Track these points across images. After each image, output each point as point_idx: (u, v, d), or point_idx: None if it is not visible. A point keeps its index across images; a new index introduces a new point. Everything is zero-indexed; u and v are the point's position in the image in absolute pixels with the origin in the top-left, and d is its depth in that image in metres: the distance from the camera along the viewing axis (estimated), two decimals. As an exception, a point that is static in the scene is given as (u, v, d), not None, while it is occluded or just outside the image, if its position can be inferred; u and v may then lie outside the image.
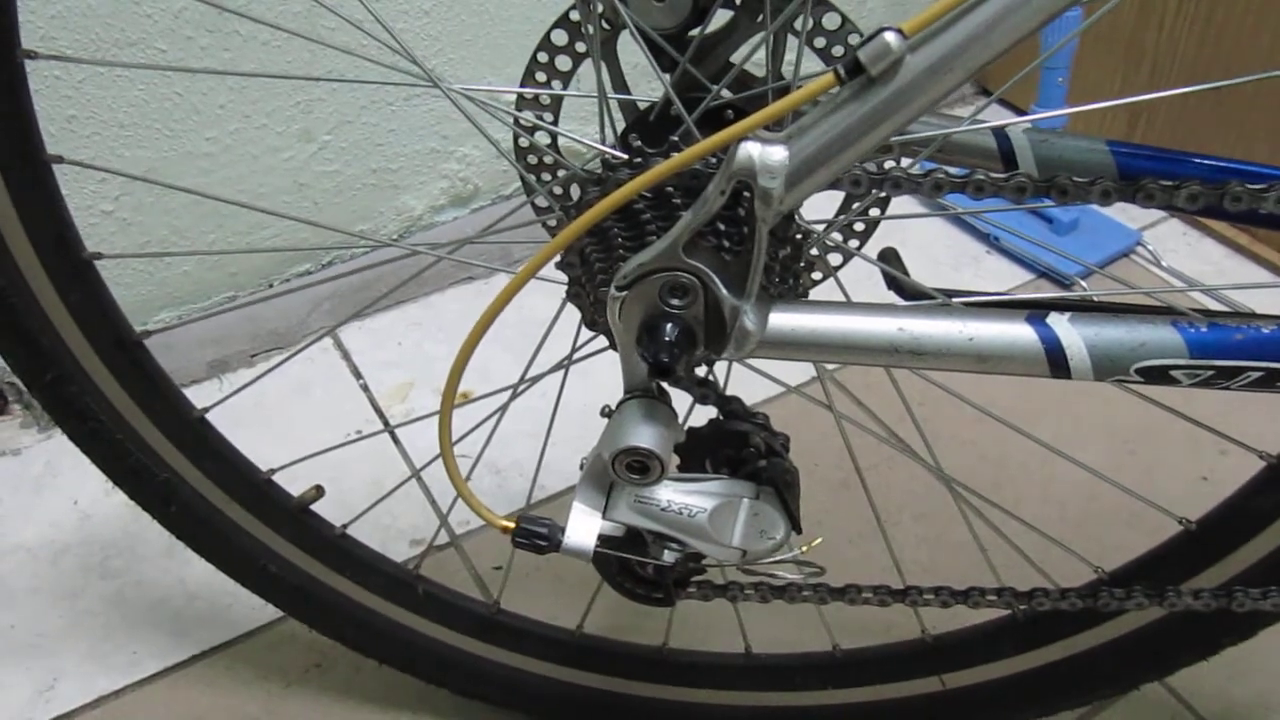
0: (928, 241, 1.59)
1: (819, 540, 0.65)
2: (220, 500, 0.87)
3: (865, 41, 0.47)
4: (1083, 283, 1.50)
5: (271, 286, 1.44)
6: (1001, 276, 1.54)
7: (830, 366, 0.91)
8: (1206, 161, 0.66)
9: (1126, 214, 1.58)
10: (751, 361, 0.66)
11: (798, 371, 0.75)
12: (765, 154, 0.50)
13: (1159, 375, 0.55)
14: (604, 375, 0.72)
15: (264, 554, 0.90)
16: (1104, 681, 0.86)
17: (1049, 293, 1.51)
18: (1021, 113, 1.64)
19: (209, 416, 0.85)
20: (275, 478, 0.89)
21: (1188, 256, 1.55)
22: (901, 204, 0.65)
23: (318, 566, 0.92)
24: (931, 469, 0.83)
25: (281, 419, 1.33)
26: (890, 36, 0.46)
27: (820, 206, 0.66)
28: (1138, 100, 1.53)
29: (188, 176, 1.29)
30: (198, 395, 0.85)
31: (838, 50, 0.63)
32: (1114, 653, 0.83)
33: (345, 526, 0.92)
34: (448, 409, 0.62)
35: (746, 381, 0.77)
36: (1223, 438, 0.76)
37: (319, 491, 0.90)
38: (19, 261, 0.72)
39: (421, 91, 1.38)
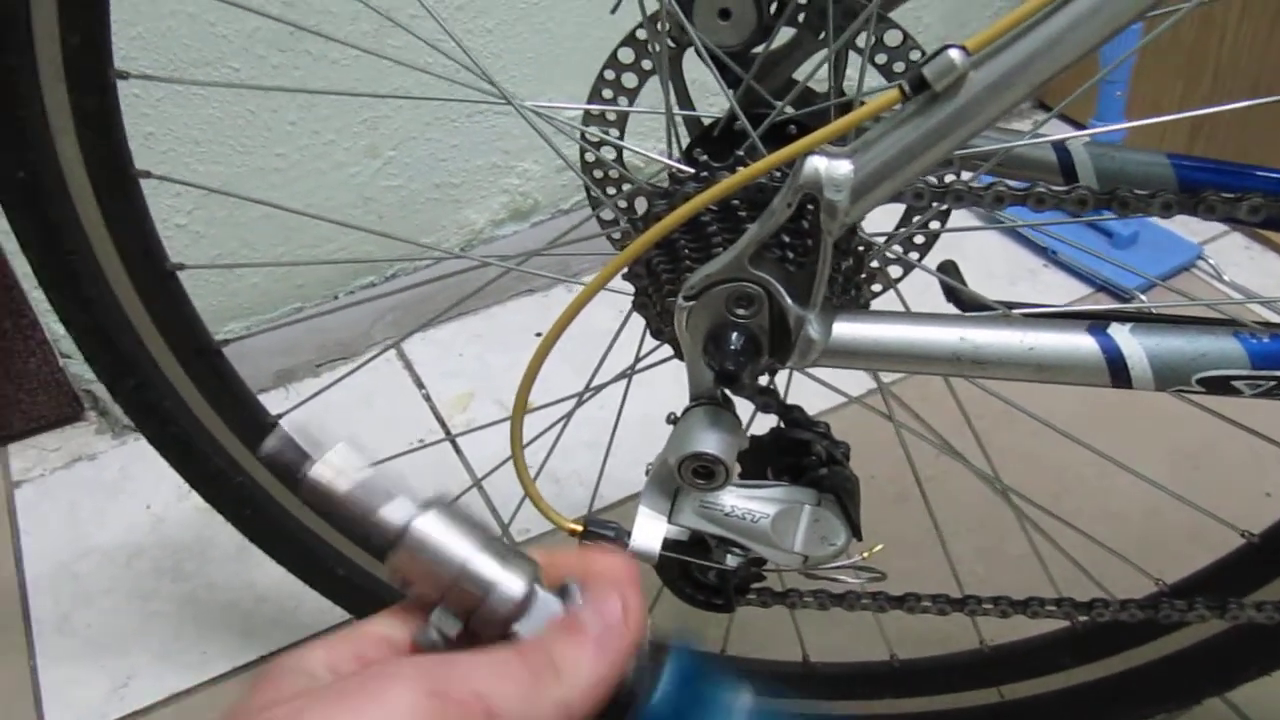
0: (985, 255, 1.59)
1: (880, 546, 0.66)
2: (292, 505, 0.90)
3: (930, 58, 0.48)
4: (1142, 296, 1.49)
5: (337, 298, 1.47)
6: (1059, 290, 1.53)
7: (888, 378, 0.91)
8: (1268, 174, 0.66)
9: (1187, 228, 1.57)
10: (812, 371, 0.67)
11: (857, 383, 0.76)
12: (831, 168, 0.52)
13: (1220, 385, 0.55)
14: (664, 386, 0.73)
15: (333, 557, 0.93)
16: (1164, 696, 0.86)
17: (1122, 305, 1.50)
18: (1080, 126, 1.63)
19: (282, 422, 0.88)
20: (344, 483, 0.91)
21: (1250, 270, 1.53)
22: (958, 217, 0.66)
23: (384, 570, 0.94)
24: (989, 480, 0.84)
25: (347, 428, 1.36)
26: (954, 53, 0.47)
27: (879, 220, 0.67)
28: (1198, 114, 1.52)
29: (258, 191, 1.33)
30: (266, 404, 0.88)
31: (899, 67, 0.64)
32: (1175, 666, 0.83)
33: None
34: (520, 412, 0.64)
35: (806, 392, 0.78)
36: (1286, 451, 0.76)
37: (386, 497, 0.92)
38: (107, 273, 0.75)
39: (484, 108, 1.41)
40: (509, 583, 0.35)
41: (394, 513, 0.35)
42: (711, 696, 0.36)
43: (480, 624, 0.36)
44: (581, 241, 0.78)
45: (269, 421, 0.87)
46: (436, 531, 0.35)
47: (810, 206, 0.54)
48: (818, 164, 0.52)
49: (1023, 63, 0.48)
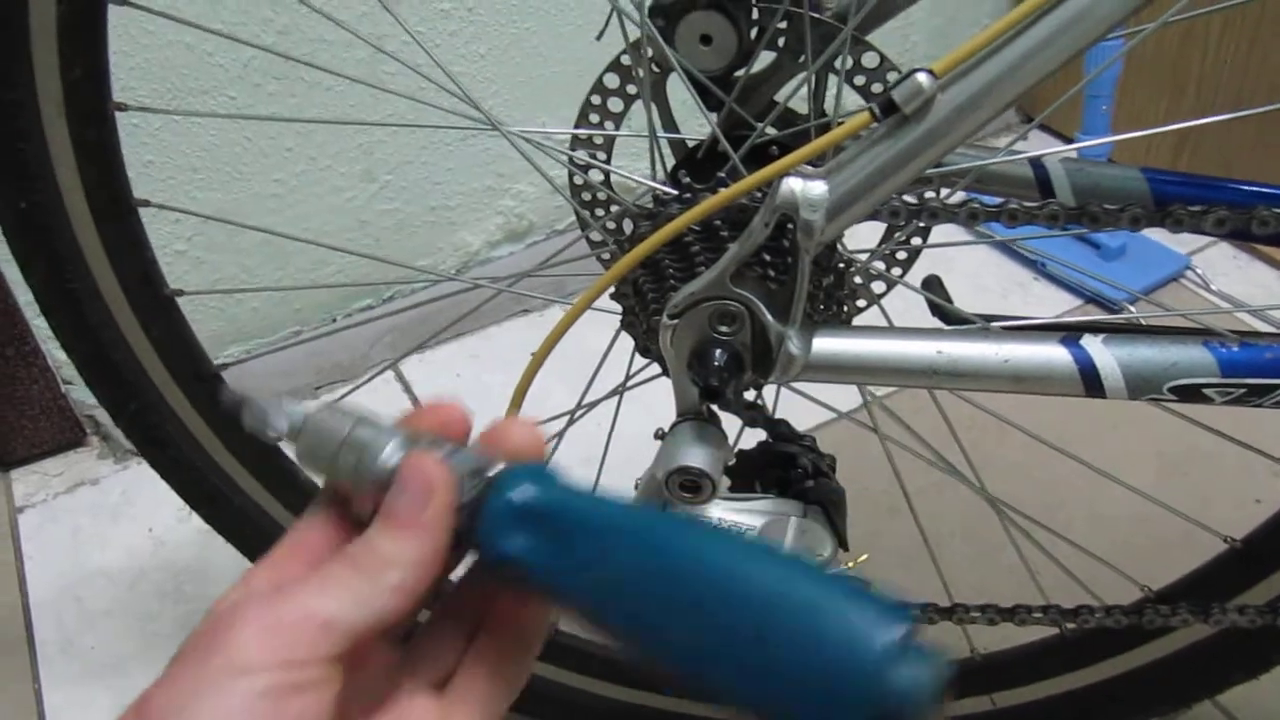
0: (976, 269, 1.61)
1: (865, 556, 0.68)
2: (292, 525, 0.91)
3: (899, 82, 0.50)
4: (1130, 307, 1.50)
5: (335, 321, 1.49)
6: (1049, 302, 1.55)
7: (880, 392, 0.93)
8: (1243, 187, 0.68)
9: (1176, 239, 1.58)
10: (801, 387, 0.68)
11: (848, 398, 0.77)
12: (806, 189, 0.54)
13: (1192, 394, 0.56)
14: (656, 402, 0.75)
15: (332, 576, 0.93)
16: (1154, 700, 0.87)
17: (1097, 317, 1.52)
18: (1067, 139, 1.65)
19: (280, 445, 0.89)
20: (343, 503, 0.92)
21: (1238, 280, 1.55)
22: (947, 232, 0.67)
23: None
24: (978, 491, 0.85)
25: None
26: (922, 77, 0.49)
27: (866, 236, 0.68)
28: (1182, 127, 1.54)
29: (256, 217, 1.35)
30: (267, 426, 0.89)
31: (877, 87, 0.66)
32: (1164, 671, 0.84)
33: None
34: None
35: (797, 408, 0.80)
36: (1272, 460, 0.77)
37: (384, 516, 0.93)
38: (108, 300, 0.77)
39: (478, 132, 1.43)
40: (377, 447, 0.41)
41: (293, 413, 0.43)
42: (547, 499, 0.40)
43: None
44: (571, 262, 0.80)
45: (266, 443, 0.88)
46: (321, 417, 0.42)
47: (789, 226, 0.55)
48: (793, 185, 0.53)
49: (990, 84, 0.50)
